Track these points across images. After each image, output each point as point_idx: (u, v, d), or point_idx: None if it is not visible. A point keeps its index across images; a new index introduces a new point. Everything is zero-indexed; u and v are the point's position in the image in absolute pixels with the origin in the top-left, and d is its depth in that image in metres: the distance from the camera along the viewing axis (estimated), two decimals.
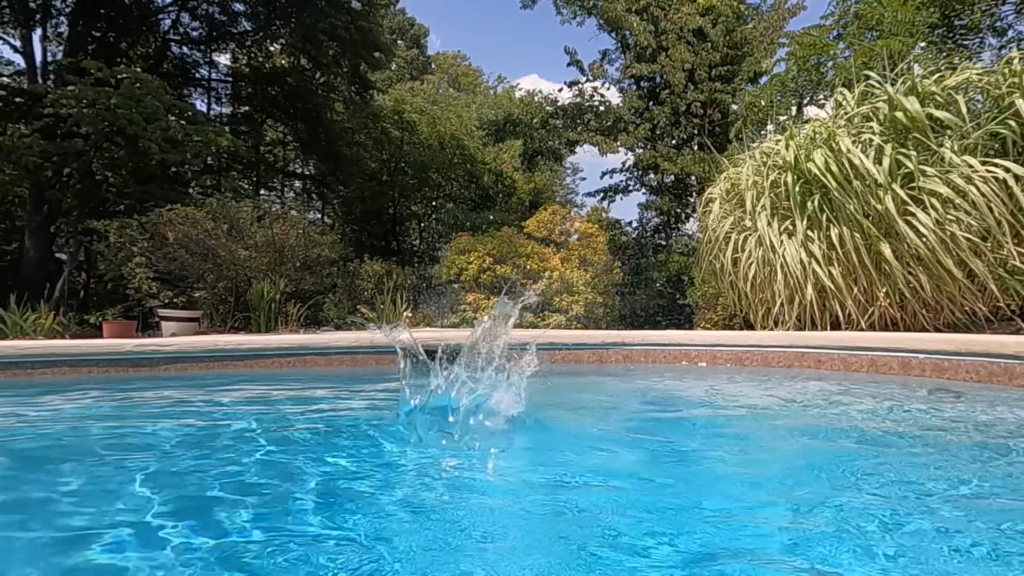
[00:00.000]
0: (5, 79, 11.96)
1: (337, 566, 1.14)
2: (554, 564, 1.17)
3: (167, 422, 2.62)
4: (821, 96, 9.71)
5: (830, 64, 9.27)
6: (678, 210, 14.22)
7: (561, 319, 8.36)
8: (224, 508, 1.50)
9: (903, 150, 4.88)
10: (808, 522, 1.40)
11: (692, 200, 13.94)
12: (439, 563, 1.18)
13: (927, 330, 4.77)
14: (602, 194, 15.44)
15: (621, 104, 14.67)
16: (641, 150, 14.17)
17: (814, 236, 5.16)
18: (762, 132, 9.29)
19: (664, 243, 14.52)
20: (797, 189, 5.34)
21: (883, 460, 1.99)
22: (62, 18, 12.08)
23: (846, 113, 5.64)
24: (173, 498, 1.60)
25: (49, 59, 11.51)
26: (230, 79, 15.13)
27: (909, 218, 4.64)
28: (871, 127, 5.20)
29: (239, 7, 13.38)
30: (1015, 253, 4.44)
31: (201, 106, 14.43)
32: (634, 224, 15.40)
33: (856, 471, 1.82)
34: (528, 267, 8.66)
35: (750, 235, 5.68)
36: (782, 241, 5.29)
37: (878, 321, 4.93)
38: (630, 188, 15.26)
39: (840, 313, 4.98)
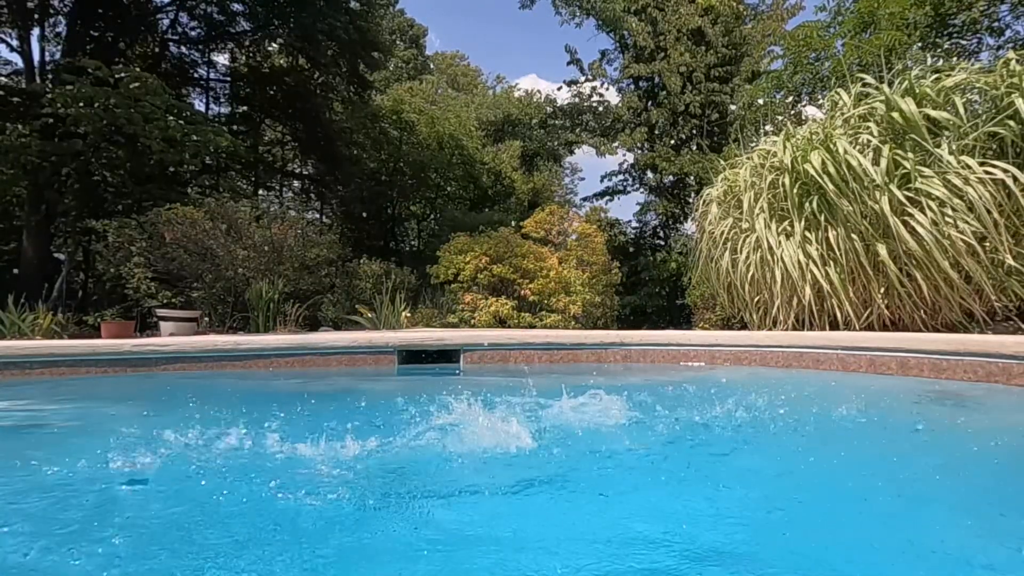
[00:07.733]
0: (3, 79, 11.92)
1: None
2: None
3: None
4: (820, 96, 9.71)
5: (827, 64, 9.27)
6: (676, 210, 14.22)
7: (558, 319, 8.37)
8: None
9: (900, 151, 4.88)
10: None
11: (691, 200, 13.94)
12: None
13: (925, 330, 4.77)
14: (601, 194, 15.44)
15: (620, 104, 14.68)
16: (640, 151, 14.17)
17: (812, 237, 5.17)
18: (760, 132, 9.29)
19: (663, 243, 14.53)
20: (795, 190, 5.35)
21: None
22: (60, 18, 12.05)
23: (843, 114, 5.65)
24: None
25: (47, 59, 11.47)
26: (228, 79, 15.11)
27: (906, 219, 4.65)
28: (868, 128, 5.21)
29: (237, 7, 13.36)
30: (1012, 254, 4.44)
31: (200, 106, 14.42)
32: (633, 224, 15.41)
33: None
34: (525, 267, 8.67)
35: (748, 236, 5.68)
36: (780, 242, 5.30)
37: (876, 321, 4.94)
38: (628, 189, 15.27)
39: (838, 313, 4.98)
